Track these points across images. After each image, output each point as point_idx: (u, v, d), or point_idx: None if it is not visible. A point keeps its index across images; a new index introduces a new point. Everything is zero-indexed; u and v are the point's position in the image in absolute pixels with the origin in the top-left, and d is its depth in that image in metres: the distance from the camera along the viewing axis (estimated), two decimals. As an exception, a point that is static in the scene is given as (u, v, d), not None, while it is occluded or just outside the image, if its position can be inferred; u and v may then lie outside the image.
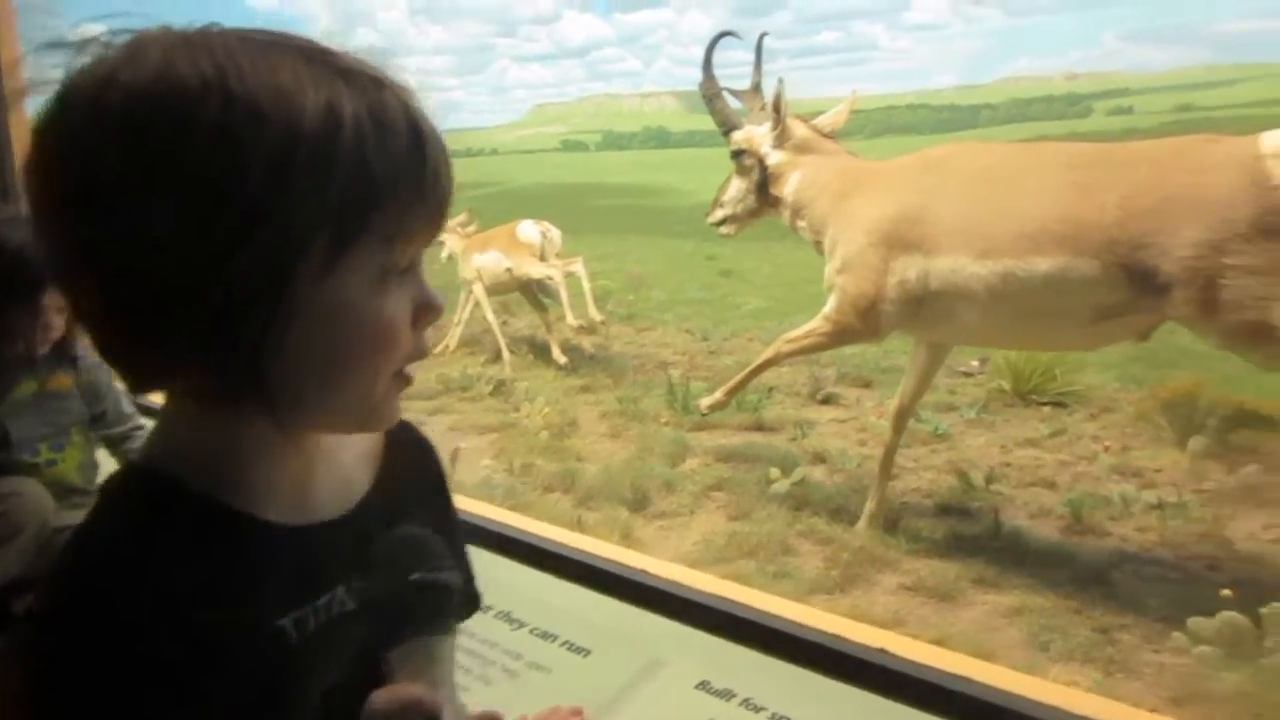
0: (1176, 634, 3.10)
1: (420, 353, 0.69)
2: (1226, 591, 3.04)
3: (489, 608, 2.06)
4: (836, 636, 1.82)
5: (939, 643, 3.17)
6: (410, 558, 0.74)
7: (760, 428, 6.27)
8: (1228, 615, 2.96)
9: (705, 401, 4.67)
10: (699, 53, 4.91)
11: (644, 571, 2.03)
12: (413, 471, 0.83)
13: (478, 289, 8.20)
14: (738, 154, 4.64)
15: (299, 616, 0.68)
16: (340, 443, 0.75)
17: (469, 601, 0.91)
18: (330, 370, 0.65)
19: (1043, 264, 3.30)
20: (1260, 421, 5.93)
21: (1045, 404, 7.37)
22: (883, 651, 1.73)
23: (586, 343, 8.56)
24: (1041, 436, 6.35)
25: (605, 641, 1.74)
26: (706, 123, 5.02)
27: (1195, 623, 3.04)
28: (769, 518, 4.45)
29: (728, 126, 4.70)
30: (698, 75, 4.88)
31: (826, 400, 7.29)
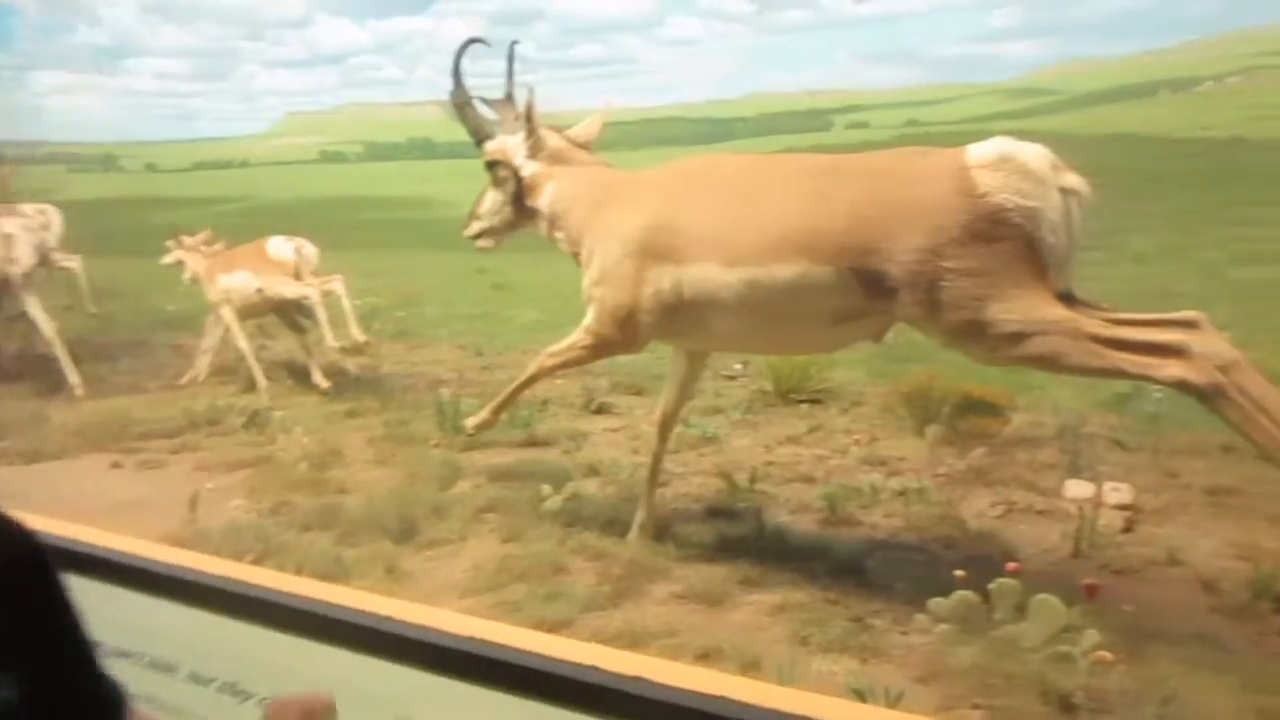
0: (920, 615, 3.30)
1: None
2: (960, 572, 3.27)
3: (213, 679, 1.85)
4: (594, 668, 1.74)
5: (707, 653, 3.21)
6: None
7: (534, 443, 6.19)
8: (961, 594, 3.19)
9: (471, 421, 4.52)
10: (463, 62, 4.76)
11: (390, 619, 1.86)
12: None
13: (226, 312, 7.57)
14: (492, 165, 4.53)
15: None
16: None
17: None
18: None
19: (784, 271, 3.44)
20: (985, 408, 6.54)
21: (803, 402, 7.78)
22: (640, 679, 1.67)
23: (352, 364, 8.14)
24: (801, 433, 6.68)
25: (350, 704, 1.58)
26: (473, 132, 4.86)
27: (935, 603, 3.25)
28: (541, 537, 4.36)
29: (480, 136, 4.58)
30: (455, 84, 4.72)
31: (600, 410, 7.32)
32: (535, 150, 4.43)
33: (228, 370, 8.01)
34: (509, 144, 4.51)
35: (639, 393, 8.10)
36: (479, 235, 4.67)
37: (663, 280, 3.77)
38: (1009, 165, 3.11)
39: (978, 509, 5.10)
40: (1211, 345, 2.90)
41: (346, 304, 7.61)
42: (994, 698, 2.93)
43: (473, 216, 4.68)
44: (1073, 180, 3.13)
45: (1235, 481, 5.84)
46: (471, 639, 1.76)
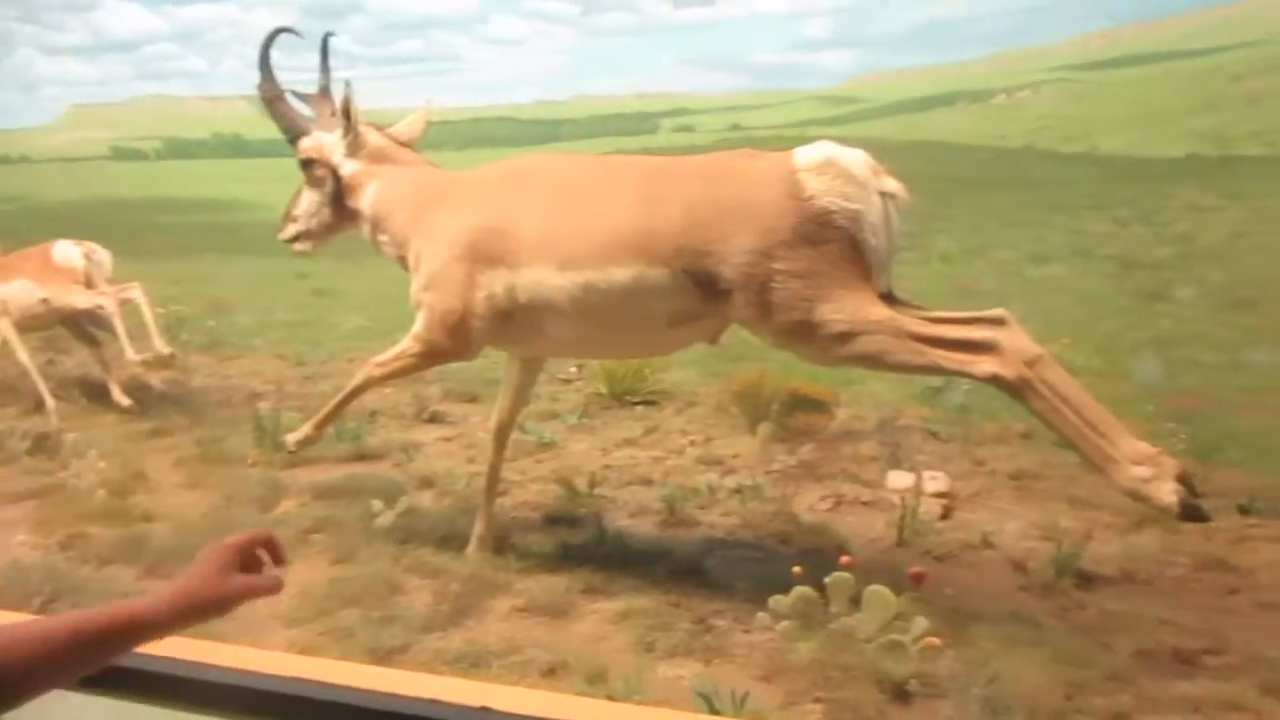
0: (761, 613, 3.35)
1: None
2: (797, 568, 3.34)
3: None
4: (435, 701, 1.62)
5: (553, 669, 3.13)
6: None
7: (363, 457, 5.92)
8: (800, 589, 3.26)
9: (292, 438, 4.23)
10: (273, 54, 4.45)
11: (201, 664, 1.67)
12: None
13: (4, 324, 6.81)
14: (307, 163, 4.27)
15: None
16: None
17: None
18: None
19: (620, 274, 3.41)
20: (812, 405, 6.79)
21: (639, 404, 7.83)
22: (485, 710, 1.57)
23: (156, 379, 7.53)
24: (637, 435, 6.70)
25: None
26: (287, 131, 4.56)
27: (775, 600, 3.31)
28: (374, 556, 4.15)
29: (294, 133, 4.31)
30: (268, 78, 4.42)
31: (433, 419, 7.11)
32: (354, 148, 4.21)
33: (8, 389, 7.23)
34: (325, 141, 4.27)
35: (473, 400, 7.92)
36: (295, 238, 4.40)
37: (495, 284, 3.66)
38: (833, 169, 3.21)
39: (809, 503, 5.27)
40: (1018, 341, 3.08)
41: (148, 313, 7.03)
42: (833, 690, 3.00)
43: (287, 218, 4.41)
44: (891, 184, 3.26)
45: (1035, 466, 6.32)
46: (297, 680, 1.61)
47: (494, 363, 9.51)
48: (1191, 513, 2.87)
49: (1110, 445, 2.96)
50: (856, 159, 3.26)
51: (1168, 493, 2.87)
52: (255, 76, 4.34)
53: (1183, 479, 2.92)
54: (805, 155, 3.27)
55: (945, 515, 5.16)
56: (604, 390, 7.75)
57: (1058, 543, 4.33)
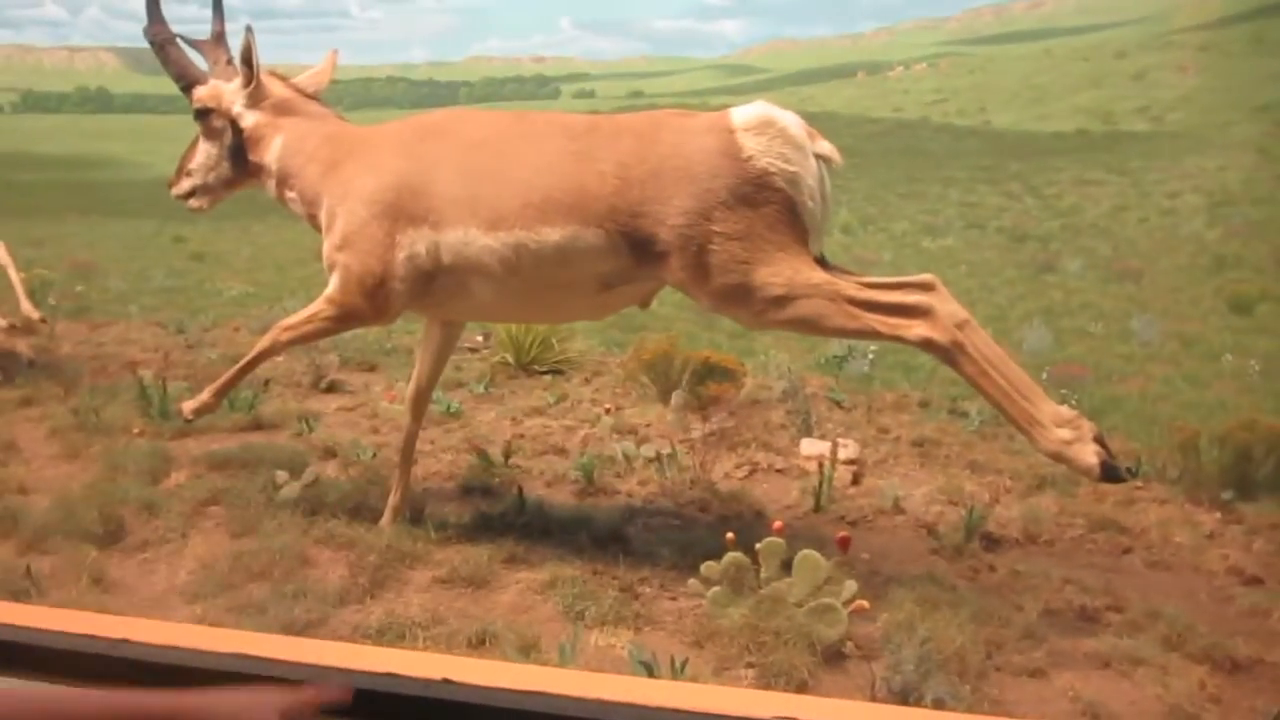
0: (693, 579, 3.33)
1: None
2: (730, 535, 3.33)
3: None
4: (391, 675, 1.52)
5: (481, 639, 3.05)
6: None
7: (259, 427, 5.67)
8: (732, 555, 3.25)
9: (188, 406, 3.97)
10: (138, 5, 4.11)
11: (95, 637, 1.51)
12: None
13: None
14: (203, 113, 3.98)
15: None
16: None
17: None
18: None
19: (552, 234, 3.30)
20: (722, 374, 6.83)
21: (545, 373, 7.74)
22: (446, 682, 1.48)
23: (23, 346, 7.01)
24: (547, 405, 6.62)
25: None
26: (158, 85, 4.27)
27: (707, 567, 3.29)
28: (280, 529, 3.95)
29: (186, 81, 4.01)
30: (137, 30, 4.08)
31: (331, 388, 6.88)
32: (256, 99, 3.95)
33: None
34: (224, 90, 3.99)
35: (372, 369, 7.69)
36: (190, 194, 4.11)
37: (417, 245, 3.50)
38: (771, 129, 3.17)
39: (725, 471, 5.30)
40: (948, 305, 3.13)
41: (14, 275, 6.52)
42: (766, 655, 3.01)
43: (181, 173, 4.11)
44: (826, 147, 3.25)
45: (934, 433, 6.54)
46: (198, 651, 1.47)
47: (393, 331, 9.26)
48: (1111, 473, 2.98)
49: (1033, 408, 3.04)
50: (793, 120, 3.23)
51: (1089, 454, 2.96)
52: (119, 28, 4.09)
53: (1100, 440, 3.03)
54: (743, 114, 3.22)
55: (855, 481, 5.27)
56: (510, 359, 7.62)
57: (964, 507, 4.48)
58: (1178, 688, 2.92)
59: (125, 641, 1.44)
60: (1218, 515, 4.78)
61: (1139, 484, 5.34)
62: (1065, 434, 3.00)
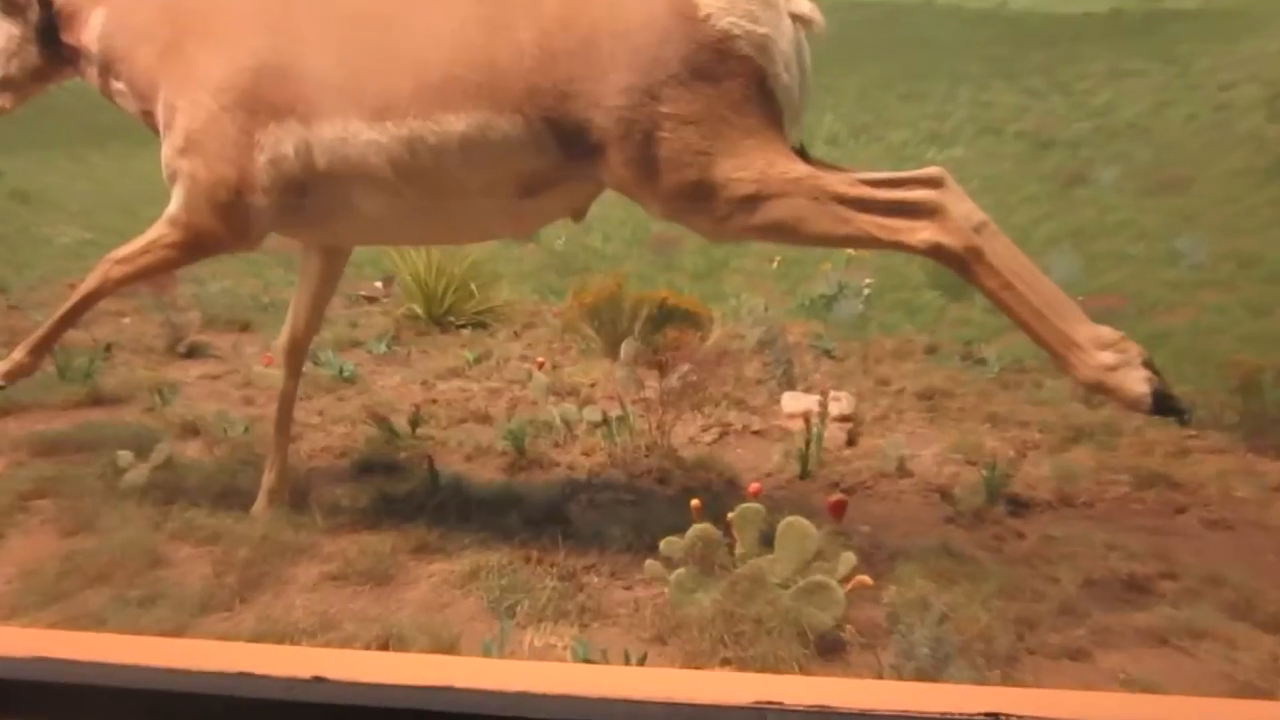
0: (650, 562, 3.23)
1: None
2: (695, 501, 3.24)
3: None
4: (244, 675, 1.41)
5: (385, 643, 2.94)
6: None
7: (99, 401, 5.52)
8: (699, 528, 3.15)
9: (0, 369, 3.77)
10: None
11: None
12: None
13: None
14: (-2, -16, 3.76)
15: None
16: None
17: None
18: None
19: (456, 123, 3.12)
20: (683, 318, 6.75)
21: (464, 326, 7.60)
22: (318, 680, 1.38)
23: None
24: (466, 364, 6.51)
25: None
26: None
27: (667, 544, 3.19)
28: (124, 522, 3.78)
29: (-23, -56, 3.77)
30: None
31: (192, 353, 6.71)
32: (68, -40, 3.73)
33: None
34: (24, -48, 3.76)
35: (245, 328, 7.51)
36: (-10, 92, 3.88)
37: (283, 144, 3.31)
38: (735, -18, 3.01)
39: (689, 435, 5.23)
40: (961, 204, 3.02)
41: None
42: (746, 648, 2.92)
43: (-26, 66, 3.87)
44: (804, 6, 3.11)
45: (945, 383, 6.54)
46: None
47: (271, 284, 9.01)
48: (1165, 404, 2.91)
49: (1069, 328, 2.96)
50: (761, -30, 3.08)
51: (1138, 381, 2.89)
52: None
53: (1150, 366, 2.95)
54: (697, -36, 3.06)
55: (851, 442, 5.23)
56: (419, 311, 7.48)
57: (985, 466, 4.45)
58: (1247, 661, 2.91)
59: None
60: (1286, 464, 4.83)
61: (1193, 432, 5.37)
62: (1108, 358, 2.92)
